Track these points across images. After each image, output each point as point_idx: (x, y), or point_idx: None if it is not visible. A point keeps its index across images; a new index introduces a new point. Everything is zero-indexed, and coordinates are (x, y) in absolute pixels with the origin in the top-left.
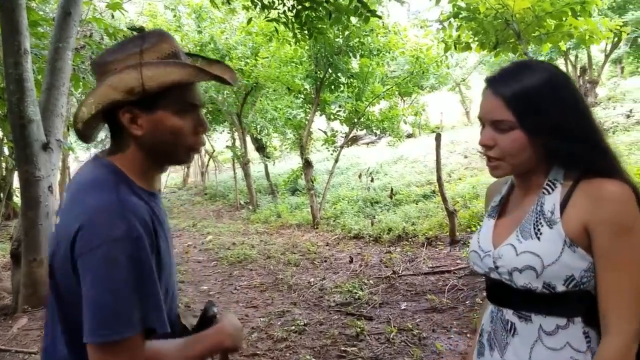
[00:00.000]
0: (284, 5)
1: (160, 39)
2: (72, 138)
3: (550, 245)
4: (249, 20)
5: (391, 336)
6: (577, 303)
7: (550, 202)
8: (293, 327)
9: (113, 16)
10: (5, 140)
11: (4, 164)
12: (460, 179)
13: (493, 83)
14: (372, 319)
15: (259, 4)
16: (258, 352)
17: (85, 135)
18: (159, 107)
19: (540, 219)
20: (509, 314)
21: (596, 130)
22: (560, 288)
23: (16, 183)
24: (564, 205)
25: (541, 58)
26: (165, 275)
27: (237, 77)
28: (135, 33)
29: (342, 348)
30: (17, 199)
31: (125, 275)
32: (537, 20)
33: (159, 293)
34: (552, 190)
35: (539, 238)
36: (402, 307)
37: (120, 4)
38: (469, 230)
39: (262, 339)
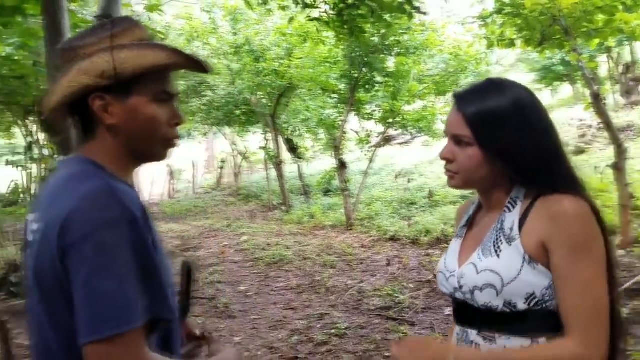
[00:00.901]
0: (326, 3)
1: (132, 24)
2: None
3: (509, 262)
4: (291, 19)
5: None
6: (540, 323)
7: (510, 219)
8: (334, 331)
9: (150, 18)
10: (46, 142)
11: (43, 165)
12: None
13: (459, 99)
14: (414, 324)
15: (301, 3)
16: (299, 356)
17: (52, 125)
18: (132, 93)
19: (500, 236)
20: (473, 335)
21: (558, 152)
22: (522, 306)
23: None
24: (522, 221)
25: (586, 55)
26: (162, 259)
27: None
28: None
29: (386, 354)
30: None
31: (125, 260)
32: (585, 15)
33: (162, 277)
34: (513, 207)
35: (498, 255)
36: (446, 313)
37: (158, 6)
38: None
39: (302, 342)
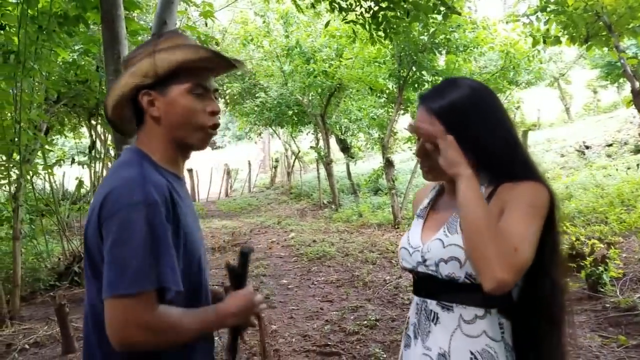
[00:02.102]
0: (361, 7)
1: (175, 35)
2: None
3: None
4: (327, 24)
5: None
6: (494, 295)
7: None
8: (365, 322)
9: (207, 24)
10: (109, 142)
11: (109, 164)
12: (557, 178)
13: (424, 100)
14: None
15: (337, 7)
16: (329, 343)
17: (117, 126)
18: (171, 88)
19: None
20: (432, 305)
21: (514, 140)
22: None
23: None
24: None
25: None
26: (189, 243)
27: (244, 66)
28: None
29: None
30: None
31: (141, 235)
32: (630, 11)
33: (173, 255)
34: None
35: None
36: None
37: (212, 12)
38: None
39: (334, 331)
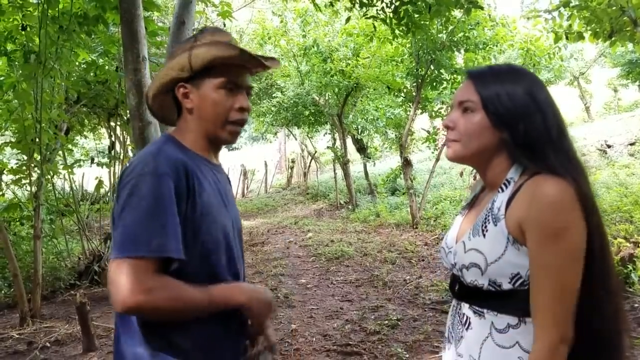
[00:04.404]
0: (382, 1)
1: (215, 31)
2: None
3: (494, 242)
4: (348, 19)
5: None
6: (528, 303)
7: (500, 200)
8: (386, 322)
9: (225, 24)
10: (129, 142)
11: (127, 163)
12: None
13: (472, 73)
14: None
15: (358, 2)
16: (351, 343)
17: (158, 114)
18: (205, 83)
19: (489, 216)
20: (465, 308)
21: (563, 132)
22: (507, 286)
23: None
24: (510, 201)
25: None
26: (208, 221)
27: (278, 64)
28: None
29: (435, 344)
30: None
31: (146, 203)
32: None
33: (177, 224)
34: (506, 188)
35: (484, 235)
36: None
37: (230, 12)
38: None
39: (355, 330)
